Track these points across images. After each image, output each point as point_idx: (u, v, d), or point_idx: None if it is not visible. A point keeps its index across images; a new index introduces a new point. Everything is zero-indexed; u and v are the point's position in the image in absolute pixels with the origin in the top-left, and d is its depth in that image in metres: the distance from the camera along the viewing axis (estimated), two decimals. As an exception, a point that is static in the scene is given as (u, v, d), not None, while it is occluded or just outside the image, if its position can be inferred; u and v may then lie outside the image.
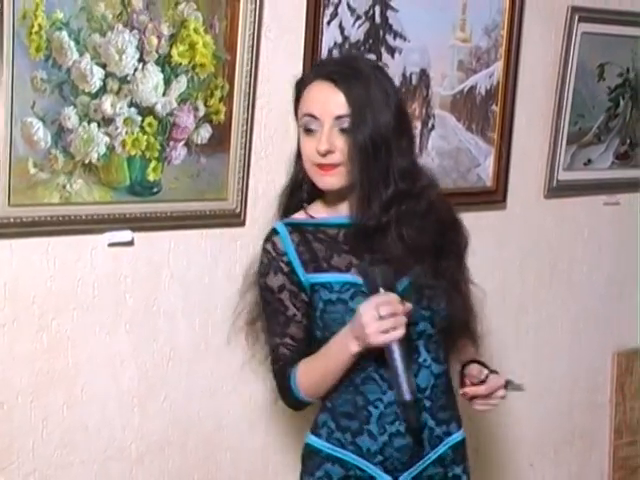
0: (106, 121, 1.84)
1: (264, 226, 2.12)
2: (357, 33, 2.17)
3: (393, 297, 1.51)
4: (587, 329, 2.89)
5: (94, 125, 1.83)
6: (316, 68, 1.71)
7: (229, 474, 2.18)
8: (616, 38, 2.66)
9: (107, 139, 1.86)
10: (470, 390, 1.66)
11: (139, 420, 2.03)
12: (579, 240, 2.82)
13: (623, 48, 2.71)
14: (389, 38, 2.23)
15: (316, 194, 1.69)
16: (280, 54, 2.08)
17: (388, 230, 1.59)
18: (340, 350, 1.57)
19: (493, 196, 2.53)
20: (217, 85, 1.97)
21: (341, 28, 2.14)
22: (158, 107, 1.90)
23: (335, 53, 2.14)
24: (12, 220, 1.77)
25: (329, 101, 1.58)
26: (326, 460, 1.66)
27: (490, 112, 2.47)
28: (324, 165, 1.59)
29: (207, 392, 2.12)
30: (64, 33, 1.76)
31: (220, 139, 2.00)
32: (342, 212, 1.65)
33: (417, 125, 2.29)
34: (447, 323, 1.64)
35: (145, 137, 1.90)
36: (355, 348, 1.54)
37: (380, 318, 1.48)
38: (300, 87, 1.65)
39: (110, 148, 1.86)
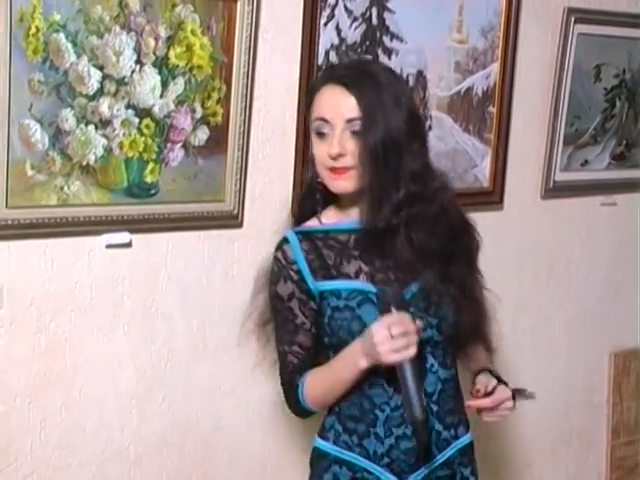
0: (103, 123, 1.85)
1: (261, 227, 2.14)
2: (354, 35, 2.18)
3: (405, 316, 1.52)
4: (584, 329, 2.89)
5: (91, 127, 1.84)
6: (327, 72, 1.71)
7: (227, 475, 2.19)
8: (612, 39, 2.67)
9: (104, 141, 1.86)
10: (474, 403, 1.63)
11: (137, 421, 2.03)
12: (576, 241, 2.83)
13: (619, 49, 2.72)
14: (386, 39, 2.24)
15: (331, 199, 1.69)
16: (277, 56, 2.08)
17: (397, 233, 1.59)
18: (349, 365, 1.59)
19: (490, 197, 2.54)
20: (214, 87, 1.98)
21: (338, 30, 2.15)
22: (155, 109, 1.91)
23: (332, 55, 2.14)
24: (10, 222, 1.78)
25: (340, 104, 1.58)
26: (334, 463, 1.67)
27: (487, 113, 2.48)
28: (336, 169, 1.60)
29: (205, 393, 2.12)
30: (61, 35, 1.76)
31: (217, 141, 2.00)
32: (354, 217, 1.65)
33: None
34: (454, 330, 1.64)
35: (142, 139, 1.91)
36: (364, 364, 1.56)
37: (392, 337, 1.49)
38: (312, 92, 1.65)
39: (107, 150, 1.87)
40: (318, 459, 1.71)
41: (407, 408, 1.53)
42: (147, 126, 1.91)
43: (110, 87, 1.84)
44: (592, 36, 2.62)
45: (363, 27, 2.19)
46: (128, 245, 1.95)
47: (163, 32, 1.88)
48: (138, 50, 1.86)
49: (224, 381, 2.14)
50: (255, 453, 2.22)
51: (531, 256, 2.71)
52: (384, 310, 1.53)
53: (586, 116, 2.71)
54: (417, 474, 1.64)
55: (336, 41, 2.15)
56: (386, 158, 1.56)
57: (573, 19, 2.56)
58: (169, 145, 1.94)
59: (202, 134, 1.99)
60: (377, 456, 1.63)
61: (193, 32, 1.92)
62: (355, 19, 2.18)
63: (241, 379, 2.16)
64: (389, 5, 2.22)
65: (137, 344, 2.01)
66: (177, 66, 1.92)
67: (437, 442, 1.64)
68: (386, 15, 2.23)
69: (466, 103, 2.43)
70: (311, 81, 1.72)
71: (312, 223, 1.70)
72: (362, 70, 1.63)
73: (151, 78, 1.89)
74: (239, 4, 1.96)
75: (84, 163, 1.84)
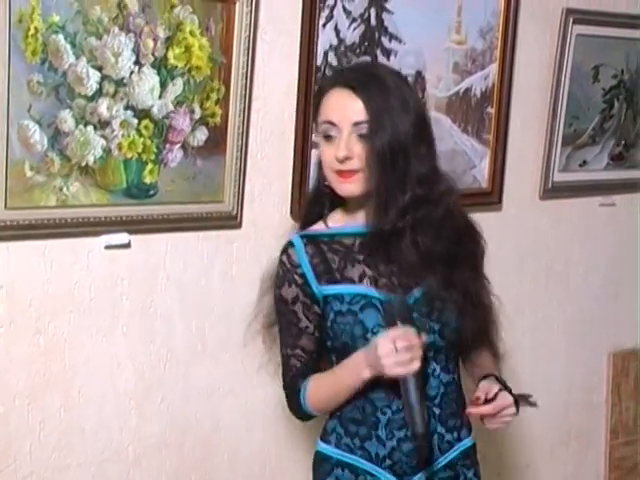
0: (102, 124, 1.85)
1: (260, 228, 2.14)
2: (353, 35, 2.18)
3: (410, 330, 1.52)
4: (583, 330, 2.90)
5: (90, 128, 1.84)
6: (335, 76, 1.71)
7: (226, 476, 2.19)
8: (610, 40, 2.67)
9: (103, 142, 1.86)
10: (474, 411, 1.62)
11: (136, 422, 2.03)
12: (575, 241, 2.83)
13: (617, 50, 2.72)
14: (384, 40, 2.24)
15: (338, 202, 1.69)
16: (276, 57, 2.09)
17: (403, 236, 1.59)
18: (352, 374, 1.60)
19: (489, 198, 2.54)
20: (213, 88, 1.98)
21: (337, 30, 2.15)
22: (154, 110, 1.91)
23: (331, 55, 2.15)
24: (9, 223, 1.78)
25: (347, 108, 1.58)
26: (336, 466, 1.67)
27: (485, 114, 2.48)
28: (343, 172, 1.60)
29: (204, 394, 2.12)
30: (60, 36, 1.76)
31: (216, 142, 2.01)
32: (360, 220, 1.65)
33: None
34: (457, 336, 1.64)
35: (141, 140, 1.91)
36: (368, 375, 1.57)
37: (396, 351, 1.49)
38: (319, 95, 1.66)
39: (106, 151, 1.87)
40: (320, 463, 1.71)
41: (408, 421, 1.55)
42: (146, 127, 1.91)
43: (109, 88, 1.84)
44: (590, 37, 2.62)
45: (362, 28, 2.20)
46: (127, 246, 1.95)
47: (162, 33, 1.89)
48: (137, 51, 1.86)
49: (223, 381, 2.14)
50: (254, 453, 2.23)
51: (530, 256, 2.71)
52: (390, 323, 1.53)
53: (585, 117, 2.71)
54: (419, 476, 1.64)
55: (335, 42, 2.15)
56: (393, 161, 1.56)
57: (571, 20, 2.56)
58: (168, 146, 1.95)
59: (201, 135, 1.99)
60: (379, 458, 1.64)
61: (192, 33, 1.92)
62: (354, 20, 2.18)
63: (240, 379, 2.17)
64: (388, 6, 2.23)
65: (136, 345, 2.01)
66: (176, 67, 1.92)
67: (440, 444, 1.65)
68: (385, 16, 2.23)
69: (465, 104, 2.43)
70: (318, 82, 1.73)
71: (318, 227, 1.70)
72: (370, 73, 1.63)
73: (150, 79, 1.89)
74: (238, 5, 1.96)
75: (83, 164, 1.84)
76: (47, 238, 1.85)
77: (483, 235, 1.73)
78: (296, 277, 1.65)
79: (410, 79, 2.29)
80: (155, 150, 1.93)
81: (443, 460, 1.66)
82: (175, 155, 1.96)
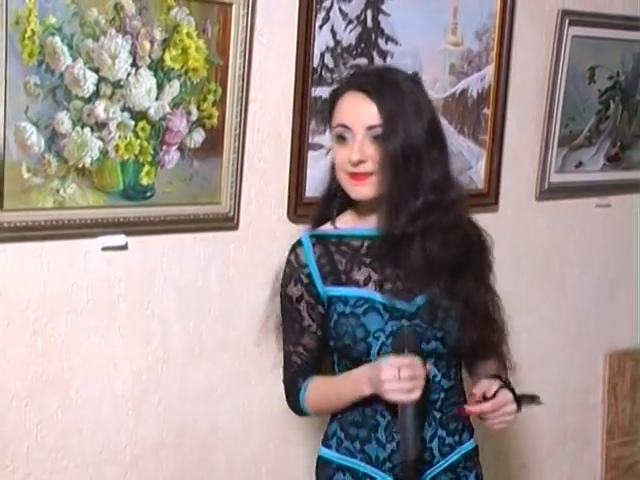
0: (99, 126, 1.85)
1: (257, 230, 2.15)
2: (349, 37, 2.19)
3: (416, 361, 1.53)
4: (579, 330, 2.90)
5: (87, 130, 1.84)
6: (349, 79, 1.72)
7: (224, 477, 2.19)
8: (606, 41, 2.68)
9: (100, 143, 1.86)
10: (474, 409, 1.62)
11: (133, 423, 2.03)
12: (571, 242, 2.84)
13: (613, 51, 2.73)
14: (381, 42, 2.24)
15: (349, 204, 1.69)
16: (272, 58, 2.09)
17: (412, 241, 1.59)
18: (353, 387, 1.61)
19: (485, 199, 2.55)
20: (210, 89, 1.98)
21: (333, 32, 2.15)
22: (151, 111, 1.91)
23: (327, 57, 2.15)
24: (6, 225, 1.78)
25: (361, 111, 1.59)
26: (337, 471, 1.68)
27: (482, 115, 2.49)
28: (356, 174, 1.60)
29: (201, 395, 2.12)
30: (57, 38, 1.77)
31: (213, 143, 2.01)
32: (370, 223, 1.65)
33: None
34: (458, 344, 1.64)
35: (138, 141, 1.91)
36: (367, 392, 1.58)
37: (399, 378, 1.51)
38: (334, 98, 1.66)
39: (103, 152, 1.87)
40: (322, 468, 1.72)
41: (401, 446, 1.57)
42: (143, 129, 1.91)
43: (106, 90, 1.84)
44: (586, 38, 2.63)
45: (358, 30, 2.20)
46: (124, 247, 1.96)
47: (158, 35, 1.89)
48: (134, 53, 1.86)
49: (220, 383, 2.15)
50: (251, 455, 2.23)
51: (526, 257, 2.72)
52: (398, 350, 1.55)
53: (580, 118, 2.72)
54: (420, 479, 1.65)
55: (331, 44, 2.15)
56: (406, 165, 1.56)
57: (567, 21, 2.57)
58: (165, 147, 1.95)
59: (198, 136, 1.99)
60: (379, 461, 1.64)
61: (188, 35, 1.92)
62: (350, 22, 2.18)
63: (237, 381, 2.17)
64: (384, 8, 2.23)
65: (133, 346, 2.01)
66: (172, 69, 1.92)
67: (441, 448, 1.65)
68: (381, 18, 2.23)
69: (461, 105, 2.44)
70: (335, 87, 1.72)
71: (328, 227, 1.70)
72: (384, 78, 1.63)
73: (147, 81, 1.89)
74: (234, 7, 1.96)
75: (80, 166, 1.85)
76: (44, 240, 1.85)
77: (492, 249, 1.73)
78: (302, 277, 1.66)
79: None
80: (152, 152, 1.93)
81: (444, 463, 1.67)
82: (172, 157, 1.96)
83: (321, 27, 2.13)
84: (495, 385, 1.62)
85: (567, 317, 2.86)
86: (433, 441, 1.64)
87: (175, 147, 1.96)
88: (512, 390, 1.64)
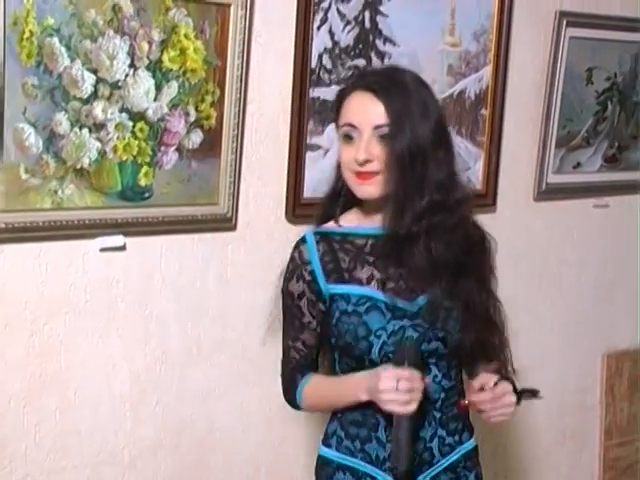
0: (97, 126, 1.85)
1: (255, 230, 2.15)
2: (347, 38, 2.19)
3: (415, 375, 1.54)
4: (577, 331, 2.91)
5: (85, 130, 1.84)
6: (357, 79, 1.72)
7: (221, 477, 2.19)
8: (604, 42, 2.68)
9: (98, 144, 1.86)
10: (473, 397, 1.62)
11: (131, 424, 2.03)
12: (569, 243, 2.84)
13: (611, 52, 2.73)
14: (379, 43, 2.25)
15: (353, 203, 1.69)
16: (270, 59, 2.09)
17: (416, 241, 1.59)
18: (350, 392, 1.63)
19: (483, 199, 2.55)
20: (208, 90, 1.98)
21: (331, 33, 2.16)
22: (149, 112, 1.91)
23: (325, 58, 2.15)
24: (4, 225, 1.78)
25: (368, 111, 1.59)
26: (337, 470, 1.68)
27: (479, 116, 2.49)
28: (362, 173, 1.60)
29: (199, 395, 2.12)
30: (55, 39, 1.77)
31: (211, 144, 2.01)
32: (374, 222, 1.65)
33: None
34: (459, 345, 1.64)
35: (136, 142, 1.91)
36: (364, 399, 1.59)
37: (397, 390, 1.52)
38: (341, 97, 1.66)
39: (101, 153, 1.87)
40: (322, 467, 1.72)
41: (393, 456, 1.58)
42: (141, 129, 1.91)
43: (104, 91, 1.84)
44: (584, 39, 2.63)
45: (356, 30, 2.20)
46: (122, 248, 1.96)
47: (157, 36, 1.89)
48: (132, 54, 1.86)
49: (218, 383, 2.15)
50: (249, 455, 2.23)
51: (524, 258, 2.72)
52: (398, 362, 1.55)
53: (578, 119, 2.72)
54: (420, 478, 1.65)
55: (329, 44, 2.16)
56: (412, 165, 1.57)
57: (565, 22, 2.57)
58: (163, 148, 1.95)
59: (196, 137, 1.99)
60: (379, 461, 1.64)
61: (187, 36, 1.93)
62: (348, 23, 2.19)
63: (235, 381, 2.17)
64: (382, 9, 2.23)
65: (131, 347, 2.01)
66: (171, 70, 1.92)
67: (441, 447, 1.66)
68: (379, 19, 2.24)
69: (459, 106, 2.44)
70: (342, 86, 1.73)
71: (331, 225, 1.71)
72: (391, 77, 1.63)
73: (145, 82, 1.89)
74: (232, 8, 1.97)
75: (78, 167, 1.85)
76: (42, 240, 1.85)
77: (495, 252, 1.73)
78: (305, 273, 1.66)
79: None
80: (150, 153, 1.93)
81: (445, 462, 1.67)
82: (170, 157, 1.97)
83: (319, 28, 2.13)
84: (494, 378, 1.63)
85: (565, 317, 2.86)
86: (433, 441, 1.65)
87: (173, 148, 1.96)
88: (512, 383, 1.64)
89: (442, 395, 1.65)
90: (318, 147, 2.18)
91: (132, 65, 1.87)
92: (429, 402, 1.62)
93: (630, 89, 2.83)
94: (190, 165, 1.99)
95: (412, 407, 1.53)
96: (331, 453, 1.70)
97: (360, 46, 2.21)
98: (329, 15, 2.14)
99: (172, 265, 2.04)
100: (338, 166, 1.68)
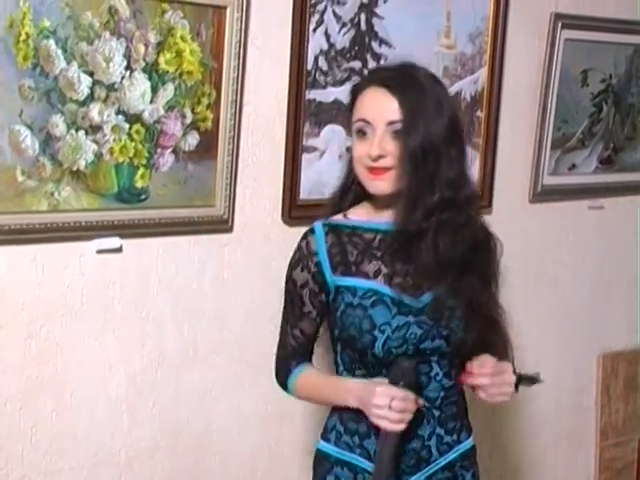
0: (94, 129, 1.85)
1: (252, 232, 2.15)
2: (343, 40, 2.19)
3: (409, 396, 1.56)
4: (572, 332, 2.91)
5: (82, 133, 1.84)
6: (371, 74, 1.72)
7: (218, 479, 2.19)
8: (599, 44, 2.69)
9: (95, 146, 1.87)
10: (475, 370, 1.62)
11: (128, 426, 2.03)
12: (564, 244, 2.85)
13: (606, 54, 2.74)
14: (375, 45, 2.25)
15: (363, 197, 1.70)
16: (266, 61, 2.10)
17: (425, 237, 1.60)
18: (341, 396, 1.65)
19: (479, 201, 2.55)
20: (204, 92, 1.98)
21: (327, 35, 2.16)
22: (145, 114, 1.92)
23: (321, 60, 2.16)
24: (0, 228, 1.78)
25: (382, 107, 1.59)
26: (335, 464, 1.69)
27: (475, 118, 2.49)
28: (375, 169, 1.61)
29: (196, 397, 2.13)
30: (51, 41, 1.77)
31: (207, 146, 2.01)
32: (383, 218, 1.66)
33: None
34: (461, 343, 1.64)
35: (133, 144, 1.91)
36: (354, 405, 1.62)
37: (390, 408, 1.54)
38: (355, 93, 1.67)
39: (98, 155, 1.87)
40: (320, 461, 1.73)
41: (375, 469, 1.60)
42: (137, 131, 1.91)
43: (100, 93, 1.85)
44: (579, 41, 2.64)
45: (352, 33, 2.21)
46: (119, 250, 1.96)
47: (153, 38, 1.89)
48: (128, 56, 1.87)
49: (215, 385, 2.15)
50: (246, 457, 2.23)
51: (519, 259, 2.73)
52: (393, 381, 1.57)
53: (573, 120, 2.73)
54: (417, 476, 1.66)
55: (325, 46, 2.16)
56: (424, 162, 1.57)
57: (560, 25, 2.58)
58: (159, 150, 1.95)
59: (192, 139, 1.99)
60: None
61: (183, 38, 1.93)
62: (344, 25, 2.19)
63: (232, 383, 2.17)
64: (377, 11, 2.24)
65: (128, 349, 2.01)
66: (167, 72, 1.92)
67: (439, 446, 1.67)
68: (375, 21, 2.24)
69: (454, 108, 2.44)
70: (355, 82, 1.73)
71: (339, 217, 1.71)
72: (405, 73, 1.64)
73: (141, 84, 1.90)
74: (228, 10, 1.97)
75: (74, 169, 1.85)
76: (39, 242, 1.85)
77: (499, 256, 1.74)
78: (310, 264, 1.67)
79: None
80: (146, 155, 1.94)
81: (442, 461, 1.68)
82: (166, 159, 1.97)
83: (315, 30, 2.14)
84: (492, 359, 1.65)
85: (560, 318, 2.87)
86: (431, 439, 1.65)
87: (169, 150, 1.97)
88: (512, 366, 1.66)
89: (442, 394, 1.66)
90: (314, 149, 2.19)
91: (128, 67, 1.87)
92: (429, 400, 1.63)
93: (625, 91, 2.84)
94: (186, 167, 1.99)
95: (401, 427, 1.56)
96: (329, 448, 1.70)
97: (356, 48, 2.22)
98: (325, 17, 2.15)
99: (169, 267, 2.04)
100: (350, 161, 1.69)
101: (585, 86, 2.72)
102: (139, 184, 1.94)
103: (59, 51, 1.78)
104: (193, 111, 1.98)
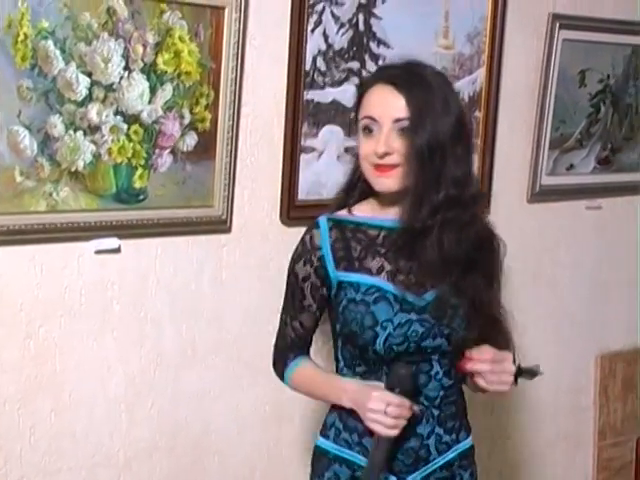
0: (92, 129, 1.85)
1: (250, 233, 2.15)
2: (341, 41, 2.19)
3: (405, 403, 1.56)
4: (571, 332, 2.91)
5: (80, 133, 1.84)
6: (378, 72, 1.72)
7: (217, 479, 2.19)
8: (597, 45, 2.69)
9: (93, 147, 1.87)
10: (475, 356, 1.62)
11: (126, 426, 2.03)
12: (562, 244, 2.85)
13: (603, 54, 2.74)
14: (373, 45, 2.25)
15: (369, 194, 1.70)
16: (265, 62, 2.10)
17: (429, 235, 1.60)
18: (336, 394, 1.66)
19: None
20: (202, 93, 1.99)
21: (325, 36, 2.16)
22: (144, 115, 1.92)
23: (319, 61, 2.16)
24: (-1, 228, 1.78)
25: (389, 104, 1.60)
26: (334, 461, 1.69)
27: (473, 118, 2.49)
28: (381, 166, 1.61)
29: (194, 397, 2.13)
30: (50, 42, 1.77)
31: (206, 146, 2.01)
32: (388, 215, 1.66)
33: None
34: (462, 342, 1.64)
35: (131, 145, 1.91)
36: (348, 406, 1.63)
37: (385, 413, 1.54)
38: (361, 90, 1.67)
39: (96, 156, 1.87)
40: (319, 457, 1.73)
41: (365, 472, 1.60)
42: (135, 132, 1.91)
43: (99, 93, 1.85)
44: (577, 42, 2.64)
45: (350, 33, 2.21)
46: (117, 250, 1.96)
47: (151, 39, 1.89)
48: (126, 56, 1.87)
49: (213, 385, 2.15)
50: (245, 457, 2.23)
51: (517, 259, 2.71)
52: (390, 387, 1.57)
53: (571, 121, 2.73)
54: (416, 474, 1.66)
55: (323, 47, 2.16)
56: (431, 160, 1.57)
57: (558, 25, 2.58)
58: (158, 151, 1.95)
59: (190, 140, 1.99)
60: None
61: (181, 39, 1.93)
62: (342, 25, 2.19)
63: (230, 383, 2.17)
64: (376, 11, 2.24)
65: (126, 349, 2.01)
66: (165, 72, 1.93)
67: (437, 445, 1.67)
68: (373, 21, 2.24)
69: (452, 108, 2.44)
70: (362, 80, 1.73)
71: (344, 213, 1.71)
72: (412, 71, 1.64)
73: (139, 84, 1.90)
74: (227, 11, 1.97)
75: (73, 169, 1.85)
76: (37, 243, 1.85)
77: (503, 256, 1.74)
78: (313, 259, 1.67)
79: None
80: (145, 155, 1.94)
81: (441, 460, 1.68)
82: (165, 160, 1.97)
83: (313, 31, 2.14)
84: (491, 349, 1.64)
85: (558, 319, 2.87)
86: (430, 438, 1.66)
87: (168, 150, 1.97)
88: (513, 356, 1.66)
89: (441, 393, 1.66)
90: (312, 149, 2.19)
91: (127, 68, 1.87)
92: (428, 399, 1.64)
93: (623, 91, 2.84)
94: (185, 167, 2.00)
95: (394, 432, 1.56)
96: (328, 444, 1.71)
97: (354, 48, 2.22)
98: (323, 18, 2.15)
99: (167, 267, 2.04)
100: (356, 157, 1.69)
101: (583, 86, 2.72)
102: (137, 184, 1.94)
103: (57, 52, 1.78)
104: (191, 112, 1.98)
